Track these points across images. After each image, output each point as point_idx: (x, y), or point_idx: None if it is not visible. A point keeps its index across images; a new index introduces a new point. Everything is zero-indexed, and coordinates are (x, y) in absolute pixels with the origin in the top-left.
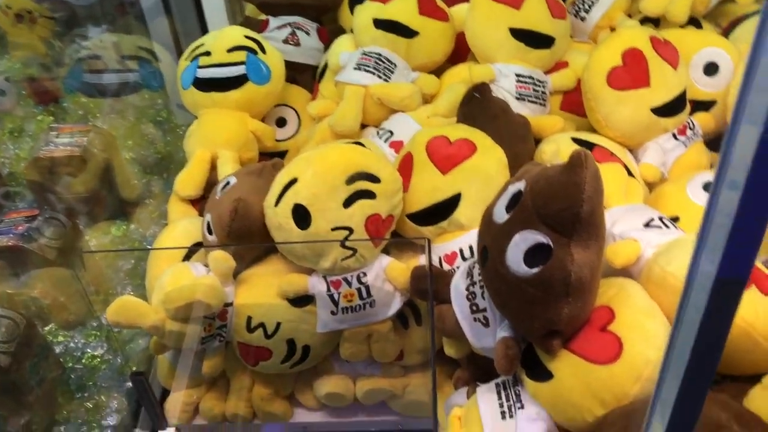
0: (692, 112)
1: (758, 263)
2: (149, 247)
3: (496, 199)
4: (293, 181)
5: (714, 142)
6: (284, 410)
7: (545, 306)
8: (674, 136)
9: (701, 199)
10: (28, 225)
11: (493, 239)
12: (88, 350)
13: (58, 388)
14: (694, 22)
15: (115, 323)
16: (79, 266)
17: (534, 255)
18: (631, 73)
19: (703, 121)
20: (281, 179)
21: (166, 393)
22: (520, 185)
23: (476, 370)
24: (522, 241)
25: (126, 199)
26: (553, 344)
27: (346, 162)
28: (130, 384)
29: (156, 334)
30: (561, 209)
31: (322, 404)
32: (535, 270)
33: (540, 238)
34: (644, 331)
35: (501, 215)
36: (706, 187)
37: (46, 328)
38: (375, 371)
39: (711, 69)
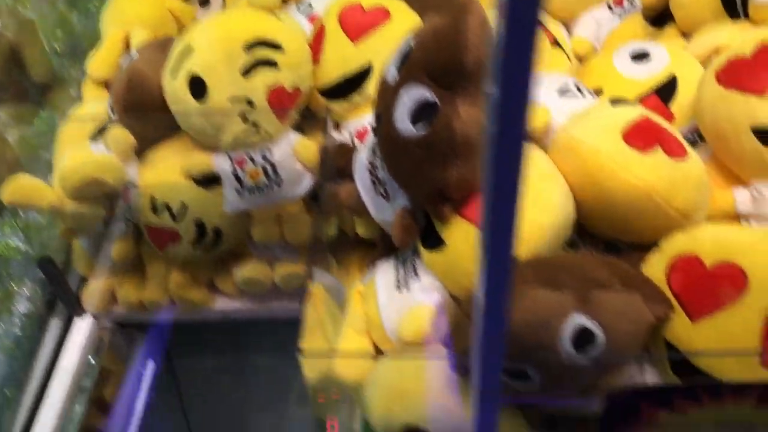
0: None
1: (669, 126)
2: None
3: (390, 60)
4: (189, 50)
5: (656, 18)
6: (203, 297)
7: (433, 168)
8: (609, 7)
9: (627, 68)
10: None
11: (384, 101)
12: (2, 240)
13: None
14: None
15: (11, 203)
16: None
17: (421, 114)
18: None
19: None
20: (177, 47)
21: (85, 281)
22: (410, 40)
23: (386, 249)
24: (407, 98)
25: (38, 83)
26: (445, 210)
27: (244, 27)
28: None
29: (58, 216)
30: (445, 61)
31: (242, 291)
32: (421, 129)
33: (426, 93)
34: (535, 195)
35: (392, 75)
36: (633, 56)
37: None
38: (292, 255)
39: None
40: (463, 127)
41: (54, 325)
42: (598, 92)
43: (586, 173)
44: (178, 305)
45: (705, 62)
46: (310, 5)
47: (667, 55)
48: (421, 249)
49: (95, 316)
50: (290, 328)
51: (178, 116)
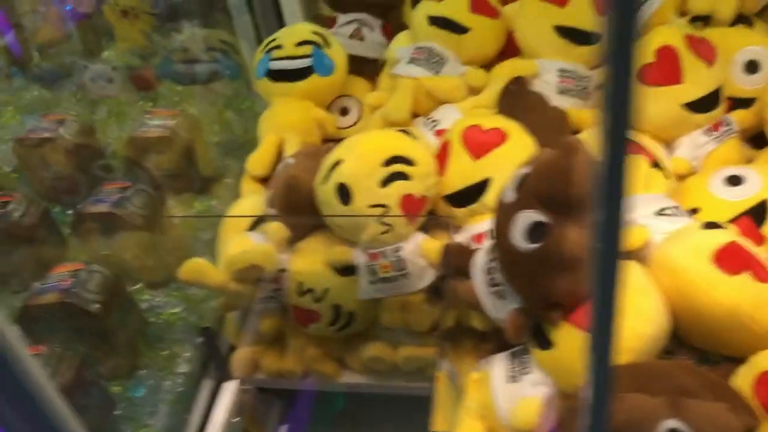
0: (732, 108)
1: (758, 251)
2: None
3: (508, 183)
4: (338, 163)
5: (753, 139)
6: (333, 370)
7: (544, 279)
8: (707, 131)
9: (721, 191)
10: (121, 195)
11: (501, 218)
12: (168, 308)
13: (140, 338)
14: (745, 20)
15: (186, 282)
16: (162, 232)
17: (534, 232)
18: (662, 70)
19: (740, 117)
20: (329, 160)
21: (233, 350)
22: (526, 169)
23: (499, 342)
24: (522, 219)
25: (205, 176)
26: (554, 316)
27: (385, 146)
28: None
29: (222, 293)
30: (555, 192)
31: (367, 368)
32: (534, 246)
33: (538, 216)
34: (638, 308)
35: (510, 196)
36: (728, 180)
37: (135, 287)
38: (414, 340)
39: (752, 67)
40: (571, 246)
41: (206, 386)
42: (693, 212)
43: (678, 289)
44: (312, 376)
45: None
46: (435, 121)
47: (760, 180)
48: (533, 348)
49: (241, 381)
50: (408, 404)
51: (326, 216)
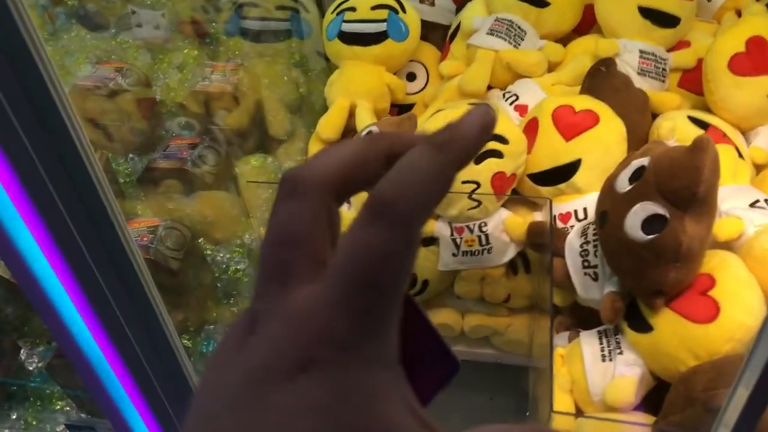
0: None
1: None
2: None
3: (619, 170)
4: None
5: None
6: None
7: (655, 269)
8: None
9: None
10: (191, 151)
11: (613, 206)
12: (232, 264)
13: (210, 293)
14: None
15: None
16: (233, 191)
17: (650, 223)
18: (753, 60)
19: None
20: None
21: None
22: (644, 161)
23: (576, 318)
24: (642, 210)
25: (273, 136)
26: (657, 302)
27: None
28: None
29: None
30: (681, 187)
31: None
32: (650, 237)
33: (658, 209)
34: (741, 299)
35: (623, 185)
36: None
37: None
38: (483, 309)
39: None
40: (687, 240)
41: None
42: None
43: None
44: None
45: None
46: (516, 96)
47: None
48: (627, 330)
49: None
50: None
51: None
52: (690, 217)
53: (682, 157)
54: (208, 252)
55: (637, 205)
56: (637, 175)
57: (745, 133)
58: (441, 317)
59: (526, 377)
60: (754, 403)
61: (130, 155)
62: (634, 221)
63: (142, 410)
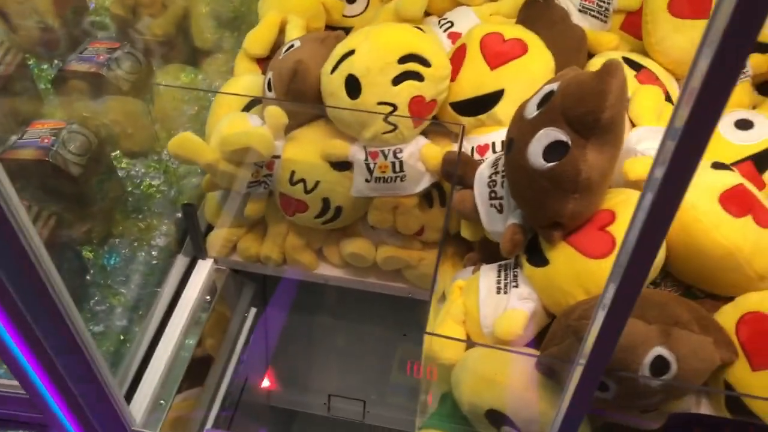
0: (750, 52)
1: (762, 197)
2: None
3: (531, 97)
4: (350, 53)
5: (763, 85)
6: (311, 261)
7: (554, 199)
8: None
9: (729, 134)
10: (108, 56)
11: (520, 132)
12: (147, 179)
13: (117, 206)
14: None
15: (175, 156)
16: (149, 101)
17: (552, 151)
18: (693, 3)
19: (756, 62)
20: (340, 49)
21: (209, 229)
22: (553, 86)
23: (486, 253)
24: (544, 136)
25: (198, 49)
26: (555, 235)
27: (402, 42)
28: (178, 215)
29: (209, 172)
30: (585, 112)
31: (344, 263)
32: (550, 164)
33: (560, 135)
34: None
35: (531, 111)
36: (737, 123)
37: (112, 154)
38: (396, 241)
39: None
40: (587, 169)
41: (180, 262)
42: None
43: (680, 225)
44: (289, 264)
45: None
46: (451, 23)
47: None
48: (524, 263)
49: (216, 260)
50: (381, 301)
51: (330, 107)
52: (592, 145)
53: (589, 80)
54: (122, 165)
55: (541, 131)
56: (545, 101)
57: (679, 80)
58: (354, 247)
59: None
60: (608, 332)
61: (56, 60)
62: (536, 148)
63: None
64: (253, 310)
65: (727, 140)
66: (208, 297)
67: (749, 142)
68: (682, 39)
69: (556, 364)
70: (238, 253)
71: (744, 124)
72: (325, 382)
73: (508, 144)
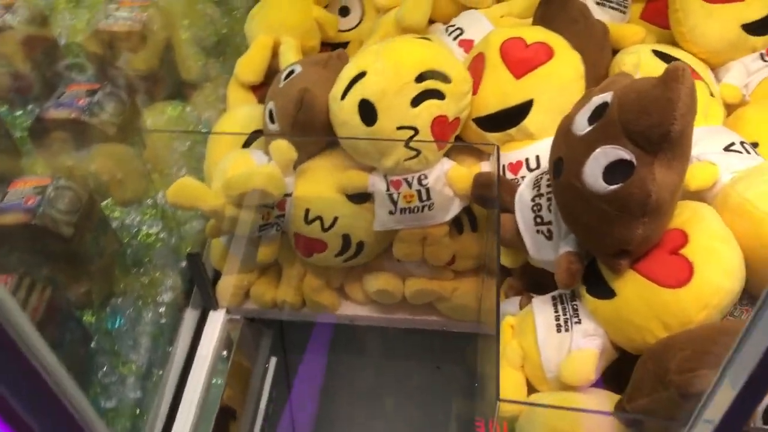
0: None
1: None
2: (206, 131)
3: (576, 110)
4: (361, 75)
5: None
6: (332, 301)
7: (619, 225)
8: (762, 57)
9: None
10: (89, 99)
11: (570, 151)
12: (144, 228)
13: (115, 262)
14: None
15: (174, 204)
16: (138, 144)
17: (614, 171)
18: None
19: None
20: (349, 72)
21: (217, 276)
22: (606, 97)
23: (528, 281)
24: (603, 155)
25: (185, 80)
26: (621, 264)
27: (417, 58)
28: (183, 264)
29: (215, 218)
30: (651, 125)
31: (369, 299)
32: (613, 187)
33: (623, 154)
34: (718, 258)
35: (582, 127)
36: None
37: (103, 204)
38: (425, 272)
39: None
40: (657, 189)
41: (190, 316)
42: (753, 146)
43: (758, 238)
44: (309, 307)
45: None
46: (461, 30)
47: None
48: (585, 294)
49: (228, 310)
50: (416, 338)
51: (343, 137)
52: (660, 162)
53: (652, 89)
54: (116, 215)
55: (598, 150)
56: (597, 114)
57: (714, 69)
58: (380, 283)
59: (475, 345)
60: (744, 401)
61: (30, 106)
62: (594, 169)
63: None
64: (274, 360)
65: None
66: (224, 352)
67: None
68: (715, 25)
69: (644, 416)
70: (252, 300)
71: None
72: None
73: (556, 165)
